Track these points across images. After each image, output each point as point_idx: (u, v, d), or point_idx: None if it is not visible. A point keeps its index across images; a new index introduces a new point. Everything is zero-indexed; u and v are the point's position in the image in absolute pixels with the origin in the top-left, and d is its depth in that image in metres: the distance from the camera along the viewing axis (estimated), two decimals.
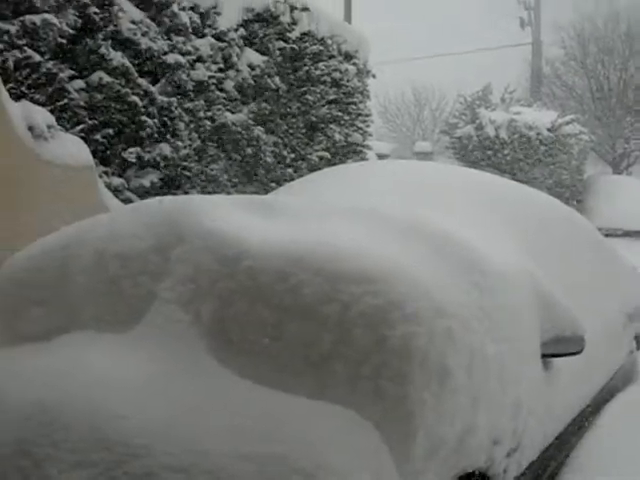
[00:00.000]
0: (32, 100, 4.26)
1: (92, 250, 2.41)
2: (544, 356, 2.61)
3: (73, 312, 2.49)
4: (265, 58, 6.43)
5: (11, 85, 4.22)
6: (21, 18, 4.37)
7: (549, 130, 19.43)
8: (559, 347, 2.65)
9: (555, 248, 3.41)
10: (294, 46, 6.85)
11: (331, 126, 7.53)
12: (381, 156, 16.65)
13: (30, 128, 3.86)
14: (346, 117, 7.88)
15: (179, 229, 2.19)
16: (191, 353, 1.96)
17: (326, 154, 7.36)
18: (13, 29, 4.31)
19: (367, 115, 8.52)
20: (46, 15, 4.44)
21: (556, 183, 19.02)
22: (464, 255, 2.31)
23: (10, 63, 4.25)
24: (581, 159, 20.10)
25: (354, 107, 8.07)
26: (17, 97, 4.14)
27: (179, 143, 5.35)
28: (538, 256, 3.08)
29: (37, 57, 4.41)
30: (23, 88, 4.37)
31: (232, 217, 2.22)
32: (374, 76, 8.76)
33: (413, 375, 1.80)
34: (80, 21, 4.71)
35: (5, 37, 4.26)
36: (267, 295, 1.90)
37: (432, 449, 1.82)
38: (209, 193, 5.74)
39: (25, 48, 4.36)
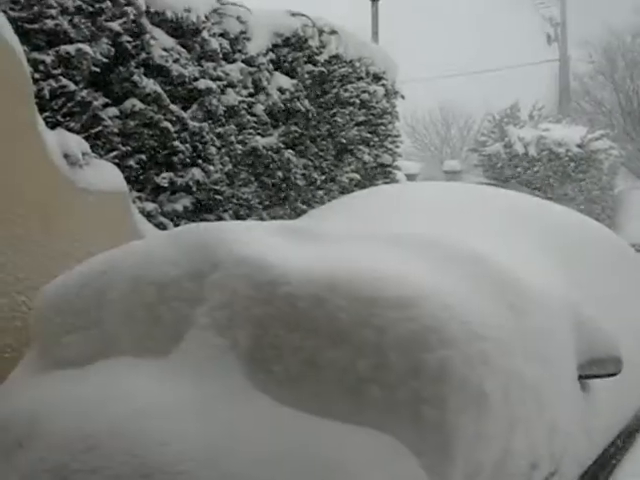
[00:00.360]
0: (67, 128, 4.33)
1: (128, 277, 2.45)
2: (581, 378, 2.59)
3: (110, 338, 2.53)
4: (294, 81, 6.47)
5: (47, 114, 4.29)
6: (56, 48, 4.45)
7: (579, 146, 19.30)
8: (596, 368, 2.63)
9: (588, 266, 3.39)
10: (323, 69, 6.88)
11: (360, 147, 7.55)
12: (410, 176, 16.62)
13: (65, 156, 3.93)
14: (375, 138, 7.89)
15: (214, 255, 2.22)
16: (228, 379, 1.98)
17: (356, 175, 7.36)
18: (48, 59, 4.39)
19: (396, 136, 8.52)
20: (80, 45, 4.52)
21: (587, 199, 18.85)
22: (499, 277, 2.30)
23: (46, 92, 4.32)
24: (611, 174, 19.92)
25: (383, 128, 8.08)
26: (53, 125, 4.20)
27: (211, 167, 5.39)
28: (571, 275, 3.07)
29: (72, 86, 4.48)
30: (58, 116, 4.44)
31: (267, 243, 2.24)
32: (403, 97, 8.77)
33: (450, 399, 1.80)
34: (113, 50, 4.78)
35: (41, 67, 4.33)
36: (303, 320, 1.92)
37: (471, 474, 1.81)
38: (241, 216, 5.78)
39: (60, 77, 4.43)
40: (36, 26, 4.38)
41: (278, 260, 2.10)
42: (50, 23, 4.41)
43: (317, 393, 1.86)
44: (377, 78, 8.04)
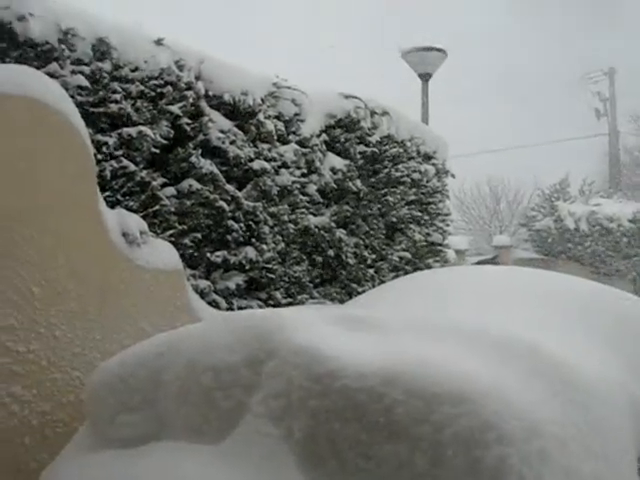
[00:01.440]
0: (126, 207, 4.46)
1: (185, 360, 2.47)
2: None
3: (164, 420, 2.54)
4: (347, 162, 6.58)
5: (107, 193, 4.44)
6: (118, 131, 4.64)
7: (631, 221, 19.11)
8: None
9: None
10: (374, 149, 7.00)
11: (411, 226, 7.59)
12: (459, 252, 16.58)
13: (124, 234, 4.03)
14: (426, 217, 7.94)
15: (271, 343, 2.24)
16: (281, 469, 1.97)
17: (406, 254, 7.39)
18: (111, 141, 4.57)
19: (446, 214, 8.56)
20: (141, 127, 4.70)
21: None
22: (556, 370, 2.27)
23: (107, 172, 4.48)
24: None
25: (434, 207, 8.13)
26: (112, 204, 4.33)
27: (264, 246, 5.47)
28: (630, 363, 3.00)
29: (132, 166, 4.64)
30: (118, 195, 4.59)
31: (324, 332, 2.25)
32: (453, 176, 8.83)
33: None
34: (173, 132, 4.96)
35: (104, 148, 4.51)
36: (360, 414, 1.91)
37: None
38: (292, 294, 5.81)
39: (121, 158, 4.60)
40: (101, 110, 4.58)
41: (335, 351, 2.11)
42: (114, 107, 4.61)
43: None
44: (428, 157, 8.13)
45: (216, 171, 5.17)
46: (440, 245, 8.24)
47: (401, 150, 7.47)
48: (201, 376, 2.36)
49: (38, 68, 3.94)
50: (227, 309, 5.09)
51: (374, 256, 6.90)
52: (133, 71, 4.77)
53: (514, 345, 2.30)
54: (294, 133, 6.07)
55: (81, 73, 4.46)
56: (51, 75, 4.03)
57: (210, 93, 5.33)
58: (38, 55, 4.28)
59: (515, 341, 2.34)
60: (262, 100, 5.76)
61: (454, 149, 9.14)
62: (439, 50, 12.12)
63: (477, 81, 45.22)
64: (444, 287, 3.53)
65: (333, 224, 6.27)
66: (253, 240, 5.45)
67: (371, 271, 6.82)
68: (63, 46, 4.38)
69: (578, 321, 3.05)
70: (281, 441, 2.03)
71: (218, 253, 5.23)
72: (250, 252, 5.37)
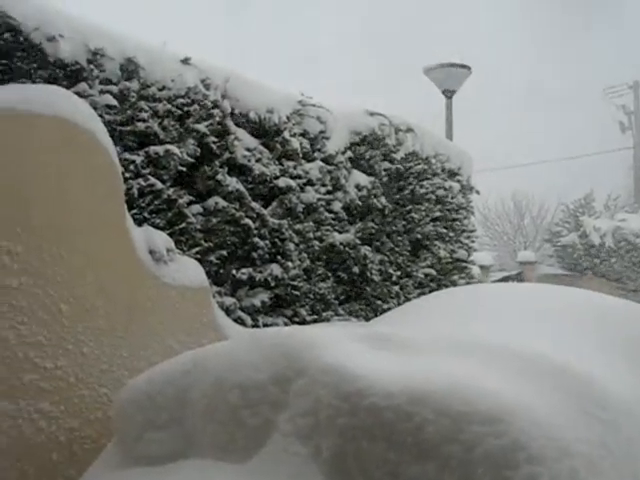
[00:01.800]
0: (153, 224, 4.50)
1: (212, 378, 2.49)
2: None
3: (192, 438, 2.55)
4: (371, 179, 6.59)
5: (135, 211, 4.48)
6: (146, 149, 4.69)
7: None
8: None
9: None
10: (399, 166, 7.00)
11: (436, 243, 7.57)
12: (484, 268, 16.50)
13: (151, 252, 4.06)
14: (451, 234, 7.91)
15: (299, 361, 2.24)
16: None
17: (431, 271, 7.37)
18: (138, 159, 4.62)
19: (471, 231, 8.53)
20: (168, 146, 4.75)
21: None
22: (584, 389, 2.25)
23: (135, 190, 4.53)
24: None
25: (458, 223, 8.11)
26: (139, 222, 4.37)
27: (289, 263, 5.48)
28: None
29: (159, 184, 4.68)
30: (145, 213, 4.63)
31: (352, 351, 2.25)
32: (478, 192, 8.80)
33: None
34: (199, 150, 5.00)
35: (131, 167, 4.56)
36: (389, 433, 1.91)
37: None
38: (317, 311, 5.81)
39: (149, 176, 4.65)
40: (128, 128, 4.63)
41: (364, 370, 2.11)
42: (141, 126, 4.66)
43: None
44: (453, 174, 8.12)
45: (242, 189, 5.21)
46: (465, 261, 8.20)
47: (426, 167, 7.47)
48: (228, 394, 2.37)
49: (67, 88, 4.00)
50: (252, 326, 5.11)
51: (399, 273, 6.89)
52: (160, 90, 4.83)
53: (542, 363, 2.29)
54: (319, 150, 6.09)
55: (109, 92, 4.52)
56: (80, 95, 4.09)
57: (236, 111, 5.37)
58: (67, 75, 4.34)
59: (542, 359, 2.32)
60: (287, 118, 5.79)
61: (477, 164, 9.12)
62: (463, 66, 12.14)
63: (500, 96, 45.12)
64: (470, 305, 3.51)
65: (358, 241, 6.27)
66: (278, 257, 5.47)
67: (396, 288, 6.81)
68: (92, 66, 4.45)
69: (601, 338, 3.02)
70: (309, 460, 2.03)
71: (244, 270, 5.25)
72: (275, 269, 5.38)
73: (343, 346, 2.29)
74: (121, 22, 4.73)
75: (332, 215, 6.07)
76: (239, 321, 4.96)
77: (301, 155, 5.83)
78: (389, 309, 6.15)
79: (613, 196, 23.61)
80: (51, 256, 3.45)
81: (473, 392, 1.95)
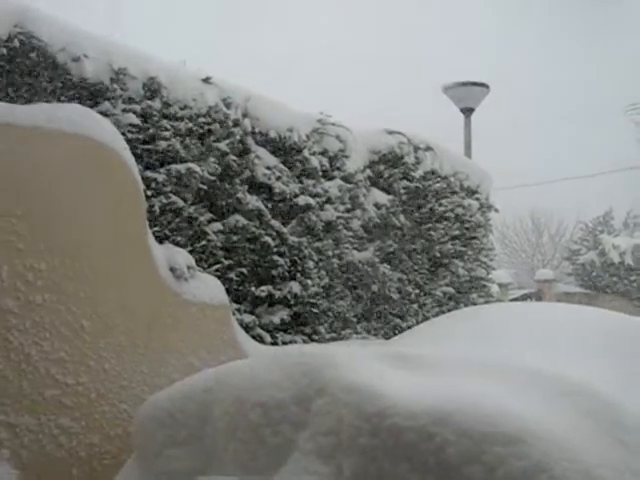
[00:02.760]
0: (174, 242, 4.54)
1: (234, 396, 2.50)
2: None
3: (212, 455, 2.57)
4: (390, 197, 6.61)
5: (156, 228, 4.52)
6: (167, 167, 4.74)
7: None
8: None
9: None
10: (418, 184, 7.01)
11: (455, 261, 7.56)
12: (502, 285, 16.43)
13: (172, 269, 4.09)
14: (470, 252, 7.90)
15: (320, 381, 2.25)
16: None
17: (450, 289, 7.35)
18: (160, 177, 4.67)
19: (490, 249, 8.50)
20: (190, 164, 4.80)
21: None
22: (607, 412, 2.24)
23: (156, 208, 4.57)
24: None
25: (477, 242, 8.09)
26: (161, 239, 4.40)
27: (308, 281, 5.50)
28: None
29: (180, 202, 4.73)
30: (166, 231, 4.67)
31: (373, 370, 2.26)
32: (497, 210, 8.79)
33: None
34: (220, 168, 5.04)
35: (153, 184, 4.60)
36: (411, 453, 1.91)
37: None
38: (336, 329, 5.82)
39: (170, 194, 4.70)
40: (150, 147, 4.68)
41: (386, 390, 2.12)
42: (163, 144, 4.71)
43: None
44: (472, 192, 8.11)
45: (262, 207, 5.24)
46: (484, 280, 8.18)
47: (444, 185, 7.47)
48: (250, 412, 2.39)
49: (91, 107, 4.06)
50: (271, 343, 5.12)
51: (418, 291, 6.89)
52: (182, 109, 4.88)
53: (562, 384, 2.28)
54: (338, 169, 6.12)
55: (132, 111, 4.58)
56: (103, 113, 4.15)
57: (256, 130, 5.42)
58: (91, 94, 4.41)
59: (563, 380, 2.32)
60: (307, 137, 5.83)
61: (496, 182, 9.10)
62: (482, 85, 12.13)
63: (517, 113, 45.01)
64: (489, 325, 3.51)
65: (377, 259, 6.28)
66: (298, 275, 5.49)
67: (415, 306, 6.80)
68: (115, 85, 4.51)
69: (625, 357, 3.02)
70: (330, 479, 2.03)
71: (263, 288, 5.27)
72: (295, 287, 5.40)
73: (364, 365, 2.30)
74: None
75: (351, 233, 6.08)
76: (258, 338, 4.98)
77: (321, 173, 5.86)
78: (408, 327, 6.15)
79: (632, 214, 23.42)
80: (74, 273, 3.49)
81: (495, 413, 1.95)
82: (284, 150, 5.61)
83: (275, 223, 5.34)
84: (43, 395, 3.35)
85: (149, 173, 4.61)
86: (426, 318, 6.48)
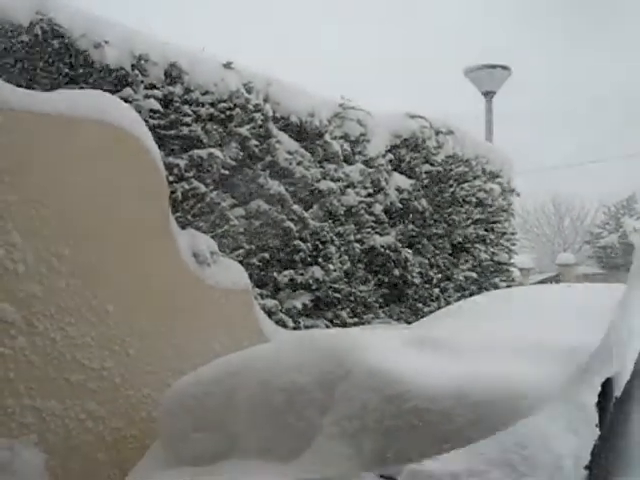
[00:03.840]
0: (196, 227, 4.54)
1: (258, 381, 2.51)
2: None
3: (237, 439, 2.58)
4: (412, 181, 6.57)
5: (178, 214, 4.53)
6: (189, 153, 4.74)
7: None
8: None
9: None
10: (439, 168, 6.96)
11: (477, 245, 7.52)
12: (523, 270, 16.33)
13: (195, 254, 4.10)
14: (491, 236, 7.85)
15: (344, 365, 2.25)
16: None
17: (472, 274, 7.32)
18: (182, 163, 4.67)
19: (512, 233, 8.45)
20: (211, 149, 4.79)
21: None
22: None
23: (179, 194, 4.57)
24: None
25: (499, 226, 8.04)
26: (183, 225, 4.40)
27: (330, 266, 5.49)
28: None
29: (202, 188, 4.73)
30: (189, 216, 4.68)
31: (397, 354, 2.26)
32: (518, 194, 8.73)
33: None
34: (241, 153, 5.04)
35: (175, 170, 4.61)
36: (433, 434, 1.91)
37: None
38: (358, 314, 5.82)
39: (192, 180, 4.70)
40: (172, 132, 4.68)
41: (408, 372, 2.12)
42: (185, 130, 4.71)
43: None
44: (493, 176, 8.05)
45: (283, 192, 5.24)
46: (506, 264, 8.13)
47: (466, 169, 7.43)
48: (274, 397, 2.39)
49: (113, 93, 4.06)
50: (294, 328, 5.13)
51: (440, 276, 6.86)
52: (203, 94, 4.87)
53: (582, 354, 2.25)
54: (360, 153, 6.10)
55: (153, 97, 4.57)
56: (125, 99, 4.15)
57: (277, 115, 5.40)
58: (113, 80, 4.41)
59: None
60: (328, 121, 5.81)
61: (517, 166, 9.03)
62: (503, 67, 12.00)
63: (537, 97, 44.56)
64: (511, 307, 3.48)
65: (399, 243, 6.26)
66: (319, 260, 5.49)
67: (437, 290, 6.78)
68: (136, 71, 4.51)
69: None
70: (352, 459, 2.03)
71: (285, 273, 5.28)
72: (317, 272, 5.40)
73: (387, 349, 2.30)
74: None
75: (373, 218, 6.07)
76: (280, 323, 4.99)
77: (342, 158, 5.84)
78: (430, 312, 6.12)
79: None
80: (98, 259, 3.51)
81: (517, 394, 1.94)
82: (305, 135, 5.60)
83: (297, 208, 5.33)
84: (69, 380, 3.38)
85: (171, 159, 4.61)
86: (448, 302, 6.46)
